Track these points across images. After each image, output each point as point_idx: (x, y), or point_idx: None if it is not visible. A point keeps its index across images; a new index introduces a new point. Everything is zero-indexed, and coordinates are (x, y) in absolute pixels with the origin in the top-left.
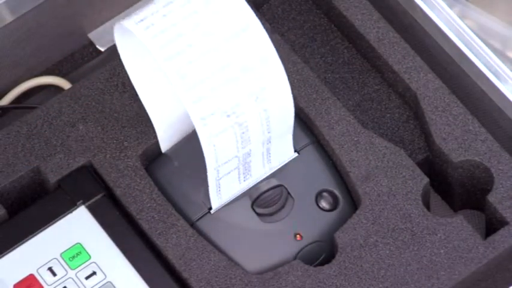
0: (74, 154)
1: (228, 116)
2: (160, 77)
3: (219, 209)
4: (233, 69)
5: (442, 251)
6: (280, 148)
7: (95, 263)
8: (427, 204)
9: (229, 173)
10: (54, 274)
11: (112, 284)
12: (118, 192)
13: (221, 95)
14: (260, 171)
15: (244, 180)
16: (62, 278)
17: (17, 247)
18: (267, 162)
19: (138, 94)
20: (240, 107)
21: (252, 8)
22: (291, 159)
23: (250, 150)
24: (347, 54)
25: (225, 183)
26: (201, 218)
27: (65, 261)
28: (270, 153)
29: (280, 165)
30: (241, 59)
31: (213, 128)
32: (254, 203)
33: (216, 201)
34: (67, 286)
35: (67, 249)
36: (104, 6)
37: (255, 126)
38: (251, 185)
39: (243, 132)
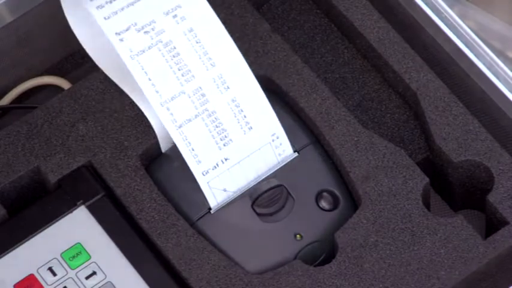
0: (74, 154)
1: (146, 32)
2: None
3: (219, 209)
4: None
5: (442, 250)
6: (238, 78)
7: (95, 263)
8: (427, 204)
9: (191, 120)
10: (54, 274)
11: (112, 284)
12: (118, 192)
13: (132, 10)
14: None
15: (224, 145)
16: (62, 278)
17: (17, 247)
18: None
19: (132, 98)
20: (158, 24)
21: (252, 8)
22: (291, 159)
23: (201, 88)
24: (347, 54)
25: (195, 138)
26: (201, 217)
27: (65, 261)
28: (237, 103)
29: (281, 165)
30: None
31: (132, 44)
32: (254, 203)
33: (198, 170)
34: (67, 286)
35: (67, 249)
36: None
37: (185, 50)
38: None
39: (174, 56)
